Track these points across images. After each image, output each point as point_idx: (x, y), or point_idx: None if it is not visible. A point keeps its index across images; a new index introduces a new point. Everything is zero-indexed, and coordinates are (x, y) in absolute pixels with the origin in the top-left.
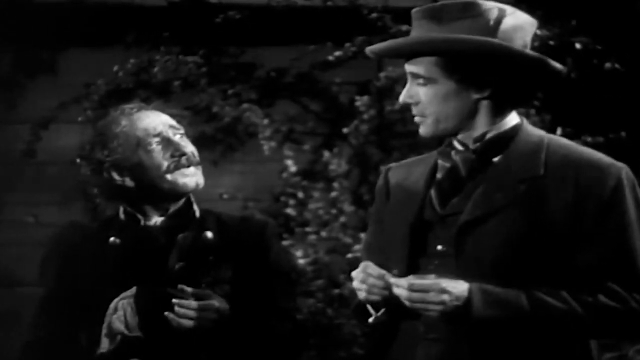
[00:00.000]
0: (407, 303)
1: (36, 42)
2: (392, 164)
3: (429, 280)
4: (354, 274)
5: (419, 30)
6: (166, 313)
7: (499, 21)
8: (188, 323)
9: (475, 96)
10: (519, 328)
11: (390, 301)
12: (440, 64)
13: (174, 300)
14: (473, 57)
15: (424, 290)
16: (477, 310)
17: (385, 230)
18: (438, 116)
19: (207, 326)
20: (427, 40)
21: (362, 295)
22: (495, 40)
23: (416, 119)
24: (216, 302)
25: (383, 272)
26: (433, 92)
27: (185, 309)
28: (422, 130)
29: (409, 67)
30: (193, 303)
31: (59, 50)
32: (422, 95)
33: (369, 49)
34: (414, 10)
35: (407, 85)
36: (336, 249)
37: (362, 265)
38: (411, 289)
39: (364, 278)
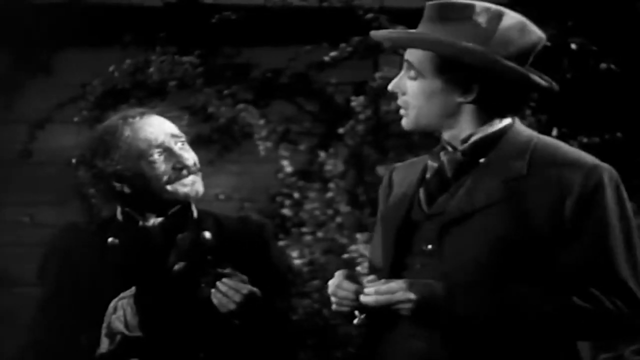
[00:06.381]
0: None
1: (32, 42)
2: (398, 164)
3: (395, 282)
4: (329, 283)
5: (425, 24)
6: (213, 291)
7: (494, 26)
8: (231, 305)
9: (459, 99)
10: (490, 327)
11: (361, 306)
12: (434, 60)
13: (224, 280)
14: (462, 61)
15: (391, 292)
16: (449, 311)
17: (382, 230)
18: (419, 111)
19: (243, 311)
20: (419, 39)
21: (333, 306)
22: (481, 49)
23: (401, 111)
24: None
25: (354, 287)
26: (420, 88)
27: (232, 290)
28: (404, 123)
29: (406, 55)
30: (241, 285)
31: (55, 51)
32: (409, 88)
33: (373, 33)
34: (427, 4)
35: (399, 75)
36: (332, 250)
37: (336, 278)
38: (378, 293)
39: (334, 292)
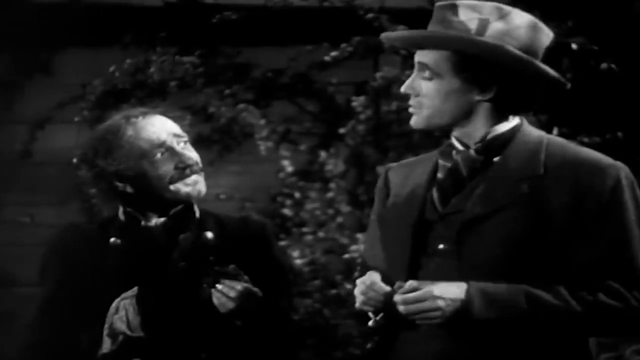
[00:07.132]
0: (410, 317)
1: (33, 42)
2: (392, 164)
3: (421, 290)
4: (358, 281)
5: (434, 25)
6: (213, 290)
7: (484, 26)
8: (230, 304)
9: (477, 98)
10: (517, 326)
11: (387, 309)
12: (452, 59)
13: (222, 283)
14: (484, 58)
15: (419, 300)
16: (477, 312)
17: (386, 231)
18: (434, 111)
19: (244, 310)
20: (441, 37)
21: (357, 304)
22: (498, 43)
23: (411, 109)
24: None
25: (387, 289)
26: (436, 88)
27: (227, 287)
28: (414, 122)
29: (418, 57)
30: (237, 284)
31: (56, 51)
32: (425, 88)
33: (384, 35)
34: (436, 5)
35: (412, 77)
36: (333, 250)
37: (368, 278)
38: (405, 302)
39: (365, 290)
